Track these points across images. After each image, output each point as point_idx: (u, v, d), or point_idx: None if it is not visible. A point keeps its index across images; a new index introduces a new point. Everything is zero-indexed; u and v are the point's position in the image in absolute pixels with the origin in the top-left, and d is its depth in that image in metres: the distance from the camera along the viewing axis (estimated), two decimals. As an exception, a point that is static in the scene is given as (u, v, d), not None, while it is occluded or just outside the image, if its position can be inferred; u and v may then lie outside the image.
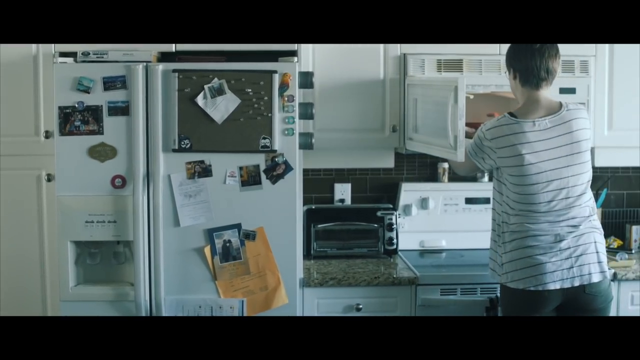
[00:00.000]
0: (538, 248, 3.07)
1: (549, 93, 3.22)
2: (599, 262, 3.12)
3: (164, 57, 3.39)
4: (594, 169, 4.05)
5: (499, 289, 3.28)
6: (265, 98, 3.23)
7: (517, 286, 3.09)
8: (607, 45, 3.86)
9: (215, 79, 3.21)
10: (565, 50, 3.67)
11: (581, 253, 3.08)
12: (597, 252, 3.12)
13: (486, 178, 4.21)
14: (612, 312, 3.57)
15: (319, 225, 3.95)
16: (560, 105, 3.18)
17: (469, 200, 4.17)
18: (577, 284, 3.07)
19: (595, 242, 3.13)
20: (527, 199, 3.10)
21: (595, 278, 3.10)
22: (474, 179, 4.24)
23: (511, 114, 3.16)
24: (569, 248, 3.07)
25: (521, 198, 3.11)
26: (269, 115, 3.24)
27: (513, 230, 3.13)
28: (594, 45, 3.83)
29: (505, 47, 3.65)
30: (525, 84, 3.20)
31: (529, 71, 3.16)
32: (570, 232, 3.09)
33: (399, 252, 4.01)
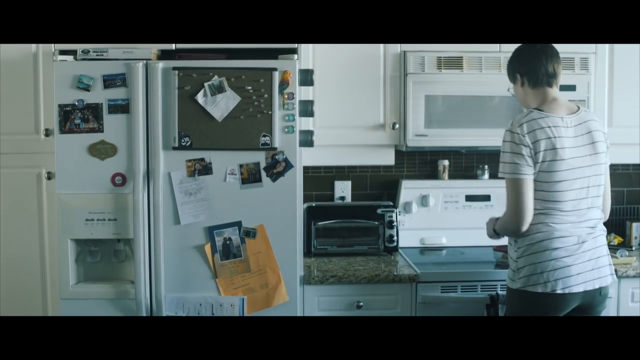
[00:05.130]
0: (564, 250, 3.01)
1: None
2: (610, 264, 3.14)
3: (164, 55, 3.39)
4: None
5: (505, 293, 3.21)
6: (266, 96, 3.23)
7: (543, 289, 3.00)
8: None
9: (216, 76, 3.21)
10: (566, 47, 3.69)
11: (599, 255, 3.08)
12: (608, 254, 3.15)
13: (486, 175, 4.23)
14: (612, 310, 3.60)
15: (320, 223, 3.94)
16: (577, 106, 3.17)
17: (469, 198, 4.17)
18: (597, 286, 3.07)
19: (605, 244, 3.15)
20: (554, 197, 3.03)
21: (610, 280, 3.12)
22: (474, 176, 4.25)
23: (538, 109, 3.10)
24: (590, 250, 3.05)
25: (548, 195, 3.04)
26: (269, 112, 3.24)
27: (537, 231, 3.05)
28: (593, 42, 3.82)
29: (505, 46, 3.76)
30: (536, 85, 3.15)
31: (537, 71, 3.13)
32: (590, 233, 3.07)
33: (400, 250, 4.00)
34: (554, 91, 3.16)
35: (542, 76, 3.14)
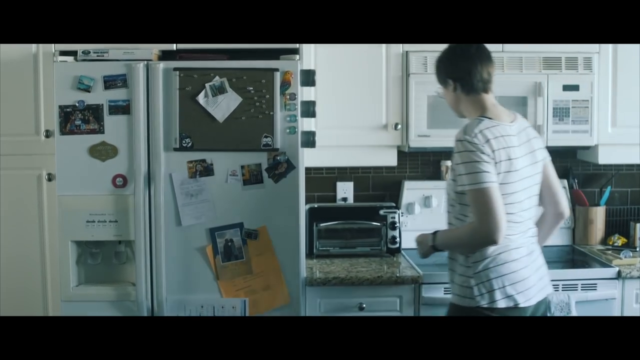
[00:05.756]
0: (520, 261, 2.86)
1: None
2: (547, 272, 3.05)
3: (165, 55, 3.39)
4: (598, 166, 4.13)
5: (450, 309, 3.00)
6: (267, 96, 3.22)
7: (507, 304, 2.82)
8: (610, 42, 3.84)
9: (217, 77, 3.20)
10: (569, 47, 3.75)
11: (541, 264, 3.00)
12: (545, 262, 3.05)
13: None
14: (616, 311, 3.59)
15: (322, 224, 3.93)
16: (514, 113, 3.01)
17: None
18: (545, 295, 2.99)
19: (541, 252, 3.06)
20: (508, 209, 2.81)
21: (551, 288, 3.06)
22: None
23: (486, 117, 2.88)
24: (536, 260, 2.96)
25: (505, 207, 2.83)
26: (271, 113, 3.23)
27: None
28: (596, 41, 3.81)
29: (508, 46, 3.76)
30: (471, 91, 2.93)
31: (472, 76, 2.91)
32: (533, 243, 2.98)
33: (402, 251, 3.97)
34: (491, 97, 2.96)
35: (477, 82, 2.92)
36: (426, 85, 3.71)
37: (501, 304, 2.83)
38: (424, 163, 4.28)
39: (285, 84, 3.23)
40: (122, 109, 3.23)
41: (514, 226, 2.86)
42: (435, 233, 3.03)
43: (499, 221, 2.75)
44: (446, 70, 2.99)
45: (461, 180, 2.81)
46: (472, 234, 2.82)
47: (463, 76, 2.93)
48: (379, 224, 3.93)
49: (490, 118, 2.87)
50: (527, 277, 2.88)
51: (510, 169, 2.83)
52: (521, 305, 2.85)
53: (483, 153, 2.78)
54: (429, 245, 3.05)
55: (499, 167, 2.80)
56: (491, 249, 2.83)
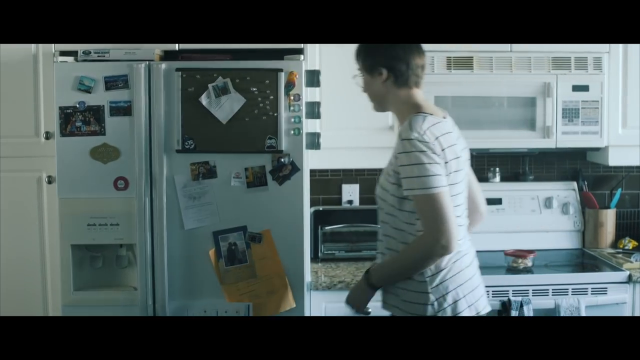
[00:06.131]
0: (471, 268, 2.73)
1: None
2: None
3: (167, 56, 3.36)
4: (608, 168, 4.10)
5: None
6: (271, 97, 3.20)
7: (470, 313, 2.68)
8: (620, 41, 3.81)
9: (220, 77, 3.18)
10: (578, 46, 3.75)
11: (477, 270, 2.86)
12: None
13: (497, 178, 4.20)
14: (628, 315, 3.56)
15: (327, 227, 3.94)
16: (440, 108, 2.84)
17: None
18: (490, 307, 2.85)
19: None
20: (456, 211, 2.65)
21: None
22: (485, 179, 4.20)
23: (428, 113, 2.70)
24: (477, 265, 2.84)
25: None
26: (275, 114, 3.21)
27: None
28: (606, 41, 3.79)
29: (517, 46, 3.75)
30: (404, 84, 2.74)
31: (409, 68, 2.72)
32: (472, 247, 2.84)
33: None
34: (421, 93, 2.78)
35: (412, 75, 2.73)
36: (433, 85, 3.67)
37: (466, 313, 2.68)
38: (430, 165, 4.21)
39: (290, 85, 3.21)
40: (124, 110, 3.20)
41: (461, 230, 2.70)
42: (367, 271, 2.81)
43: (453, 228, 2.55)
44: (380, 57, 2.75)
45: (409, 184, 2.60)
46: (425, 248, 2.59)
47: (400, 67, 2.72)
48: (385, 227, 3.90)
49: (430, 114, 2.69)
50: (478, 284, 2.76)
51: (458, 168, 2.67)
52: (482, 313, 2.74)
53: (434, 153, 2.58)
54: (365, 288, 2.78)
55: (448, 167, 2.63)
56: (446, 259, 2.64)
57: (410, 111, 2.72)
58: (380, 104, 2.85)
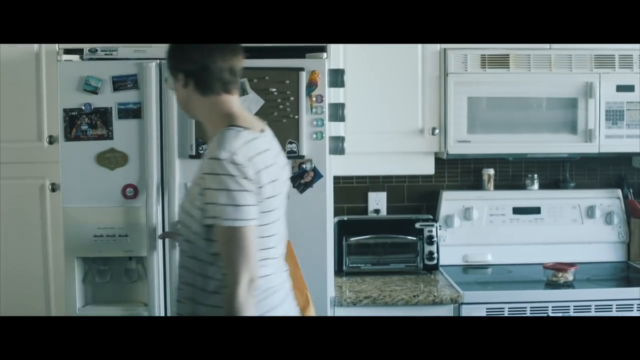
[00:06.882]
0: (284, 305, 2.55)
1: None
2: None
3: (179, 54, 3.25)
4: None
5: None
6: (292, 98, 3.16)
7: None
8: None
9: (236, 77, 3.09)
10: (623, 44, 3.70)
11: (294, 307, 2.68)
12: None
13: (536, 185, 4.11)
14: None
15: (352, 239, 3.84)
16: (258, 119, 2.63)
17: (516, 210, 4.04)
18: None
19: None
20: (269, 242, 2.48)
21: None
22: (522, 186, 4.13)
23: (242, 127, 2.45)
24: (293, 300, 2.65)
25: (263, 242, 2.46)
26: (296, 117, 3.17)
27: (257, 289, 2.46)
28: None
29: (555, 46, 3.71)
30: (208, 92, 2.49)
31: (209, 74, 2.47)
32: (287, 281, 2.64)
33: (440, 268, 3.89)
34: (235, 99, 2.53)
35: (216, 81, 2.48)
36: (466, 85, 3.66)
37: None
38: (463, 171, 4.19)
39: (312, 85, 3.16)
40: (133, 112, 3.16)
41: (272, 263, 2.52)
42: None
43: (254, 267, 2.36)
44: (176, 60, 2.54)
45: (215, 212, 2.36)
46: (234, 294, 2.33)
47: (196, 72, 2.48)
48: (414, 238, 3.85)
49: (245, 128, 2.45)
50: None
51: (273, 194, 2.46)
52: None
53: (246, 178, 2.35)
54: None
55: (262, 192, 2.40)
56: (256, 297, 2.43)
57: (223, 121, 2.48)
58: (187, 111, 2.63)
